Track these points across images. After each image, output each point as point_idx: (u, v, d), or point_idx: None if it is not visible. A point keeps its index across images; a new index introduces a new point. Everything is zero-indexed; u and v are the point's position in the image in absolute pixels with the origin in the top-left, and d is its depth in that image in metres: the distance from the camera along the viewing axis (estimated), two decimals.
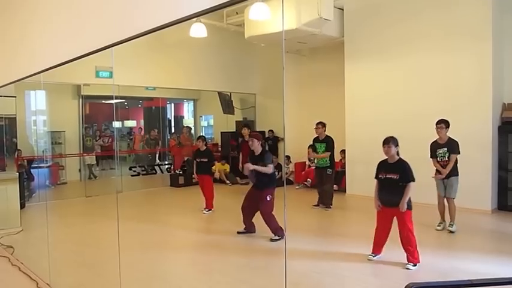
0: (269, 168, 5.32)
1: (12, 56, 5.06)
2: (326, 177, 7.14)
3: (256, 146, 5.42)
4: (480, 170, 6.57)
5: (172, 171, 10.78)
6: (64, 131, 9.93)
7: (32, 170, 8.66)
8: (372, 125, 7.69)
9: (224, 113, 11.27)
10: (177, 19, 2.31)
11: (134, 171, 10.64)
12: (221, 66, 10.45)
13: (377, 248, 4.41)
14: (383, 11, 7.91)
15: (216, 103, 11.34)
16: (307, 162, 9.26)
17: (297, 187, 9.28)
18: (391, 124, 7.24)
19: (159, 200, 9.03)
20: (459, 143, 5.51)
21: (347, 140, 8.47)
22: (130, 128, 13.34)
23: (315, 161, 7.48)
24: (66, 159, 9.92)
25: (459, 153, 5.50)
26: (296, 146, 9.39)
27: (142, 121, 13.36)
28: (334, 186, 7.75)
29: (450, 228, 5.51)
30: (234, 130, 11.09)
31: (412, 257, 4.16)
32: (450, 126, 5.52)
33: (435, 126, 5.56)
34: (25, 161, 8.43)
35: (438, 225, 5.68)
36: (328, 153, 6.99)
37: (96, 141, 10.79)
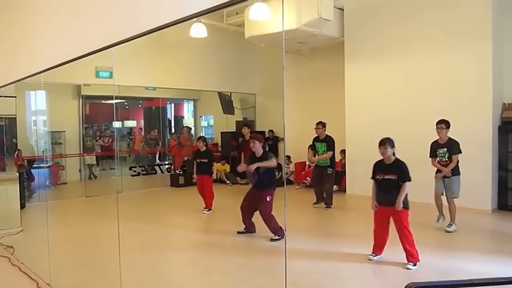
0: (272, 162, 5.33)
1: (12, 56, 5.07)
2: (326, 177, 7.13)
3: (258, 148, 5.42)
4: (480, 169, 6.57)
5: (172, 171, 10.78)
6: (64, 131, 9.93)
7: (32, 170, 8.66)
8: (372, 125, 7.69)
9: (224, 113, 11.27)
10: (177, 19, 2.31)
11: (134, 171, 10.64)
12: (221, 66, 10.45)
13: (377, 248, 4.42)
14: (383, 11, 7.91)
15: (216, 103, 11.34)
16: (307, 162, 9.26)
17: (297, 187, 9.28)
18: (391, 124, 7.26)
19: (159, 200, 9.03)
20: (459, 143, 5.51)
21: (347, 140, 8.47)
22: (131, 128, 13.35)
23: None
24: (66, 159, 9.92)
25: (460, 152, 5.49)
26: (296, 146, 9.39)
27: (142, 121, 13.36)
28: (335, 186, 7.76)
29: (448, 229, 5.48)
30: (234, 130, 11.10)
31: (412, 257, 4.16)
32: (450, 126, 5.52)
33: (435, 127, 5.57)
34: (25, 161, 8.43)
35: (437, 221, 5.64)
36: (331, 153, 6.97)
37: (96, 141, 10.80)
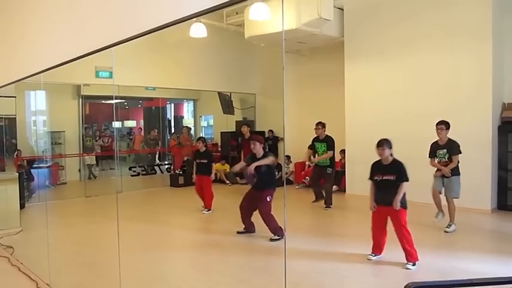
0: (269, 159, 5.33)
1: (12, 56, 5.06)
2: (326, 177, 7.14)
3: (258, 149, 5.41)
4: (480, 169, 6.57)
5: (172, 171, 10.78)
6: (64, 131, 9.93)
7: (31, 170, 8.65)
8: (372, 124, 7.69)
9: (224, 113, 11.27)
10: (177, 19, 2.31)
11: (134, 171, 10.63)
12: (221, 66, 10.45)
13: (376, 248, 4.42)
14: (383, 11, 7.91)
15: (216, 103, 11.34)
16: (307, 162, 9.26)
17: (297, 187, 9.28)
18: (391, 124, 7.27)
19: (158, 200, 9.03)
20: (459, 144, 5.50)
21: (347, 140, 8.47)
22: (130, 128, 13.34)
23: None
24: (66, 159, 9.92)
25: (460, 153, 5.48)
26: (296, 146, 9.39)
27: (142, 121, 13.36)
28: (334, 186, 7.76)
29: (447, 229, 5.47)
30: (234, 130, 11.10)
31: (411, 256, 4.16)
32: (450, 127, 5.51)
33: (435, 127, 5.56)
34: (25, 161, 8.42)
35: (435, 217, 5.60)
36: (331, 152, 6.97)
37: (96, 141, 10.79)
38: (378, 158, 4.37)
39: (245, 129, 8.55)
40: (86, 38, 3.30)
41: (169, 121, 13.80)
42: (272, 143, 10.27)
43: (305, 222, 6.53)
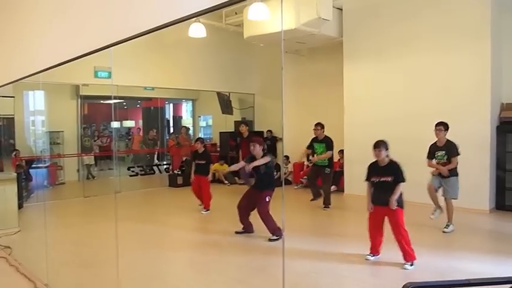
0: (264, 159, 5.32)
1: (11, 56, 5.05)
2: (324, 177, 7.14)
3: (258, 151, 5.41)
4: (478, 169, 6.58)
5: (170, 172, 10.77)
6: (62, 131, 9.92)
7: (30, 171, 8.64)
8: (371, 125, 7.69)
9: (223, 113, 11.27)
10: (176, 19, 2.31)
11: (132, 171, 10.62)
12: (220, 66, 10.45)
13: (374, 248, 4.43)
14: (382, 11, 7.92)
15: (215, 103, 11.34)
16: (306, 162, 9.26)
17: (296, 187, 9.29)
18: (390, 124, 7.28)
19: (157, 200, 9.02)
20: (458, 145, 5.49)
21: (345, 140, 8.48)
22: (129, 128, 13.34)
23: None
24: (64, 159, 9.91)
25: (459, 154, 5.47)
26: (295, 146, 9.34)
27: (140, 121, 13.35)
28: (333, 186, 7.76)
29: (445, 230, 5.48)
30: (233, 130, 11.10)
31: (408, 256, 4.17)
32: (449, 128, 5.51)
33: (434, 128, 5.55)
34: (23, 161, 8.41)
35: (432, 214, 5.60)
36: (331, 152, 6.98)
37: (95, 141, 10.79)
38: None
39: (243, 128, 8.54)
40: (85, 38, 3.30)
41: (168, 121, 13.79)
42: (271, 143, 10.28)
43: (304, 222, 6.53)
